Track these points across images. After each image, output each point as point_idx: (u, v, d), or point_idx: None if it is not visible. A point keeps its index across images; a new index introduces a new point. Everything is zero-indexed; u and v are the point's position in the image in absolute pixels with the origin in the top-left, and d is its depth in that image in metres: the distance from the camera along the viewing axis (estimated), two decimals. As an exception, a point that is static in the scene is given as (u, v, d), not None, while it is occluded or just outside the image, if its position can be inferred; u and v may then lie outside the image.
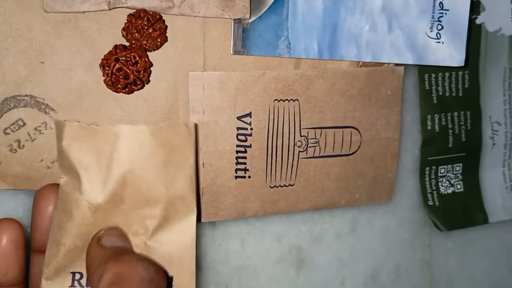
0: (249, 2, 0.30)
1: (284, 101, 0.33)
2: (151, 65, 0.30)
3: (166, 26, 0.29)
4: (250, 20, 0.31)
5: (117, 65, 0.28)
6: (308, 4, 0.32)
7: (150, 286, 0.21)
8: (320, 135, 0.34)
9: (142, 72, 0.28)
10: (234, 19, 0.31)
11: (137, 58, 0.28)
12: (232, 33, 0.31)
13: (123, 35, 0.29)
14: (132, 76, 0.28)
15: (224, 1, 0.30)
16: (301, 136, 0.34)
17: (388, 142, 0.36)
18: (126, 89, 0.28)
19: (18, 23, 0.28)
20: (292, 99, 0.33)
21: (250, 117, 0.32)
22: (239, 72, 0.31)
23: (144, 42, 0.29)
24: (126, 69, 0.28)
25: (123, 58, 0.28)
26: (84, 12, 0.28)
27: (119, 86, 0.28)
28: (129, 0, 0.28)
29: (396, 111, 0.36)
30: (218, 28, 0.31)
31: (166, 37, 0.30)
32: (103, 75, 0.28)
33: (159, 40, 0.29)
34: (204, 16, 0.30)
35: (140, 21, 0.28)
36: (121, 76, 0.28)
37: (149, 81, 0.30)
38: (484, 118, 0.39)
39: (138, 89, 0.29)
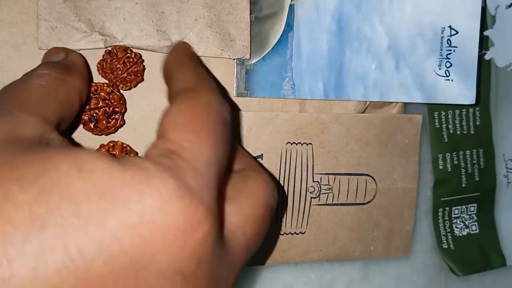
0: (249, 42, 0.29)
1: (297, 144, 0.32)
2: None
3: (144, 68, 0.28)
4: (253, 61, 0.30)
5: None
6: (312, 44, 0.31)
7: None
8: (334, 182, 0.32)
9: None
10: (236, 60, 0.30)
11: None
12: (235, 74, 0.30)
13: (98, 70, 0.28)
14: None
15: (224, 40, 0.29)
16: (313, 181, 0.32)
17: (405, 192, 0.34)
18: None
19: (15, 70, 0.27)
20: (305, 143, 0.32)
21: (262, 159, 0.31)
22: (252, 113, 0.30)
23: (117, 83, 0.28)
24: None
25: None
26: (80, 50, 0.28)
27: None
28: (126, 38, 0.28)
29: (414, 161, 0.34)
30: (220, 70, 0.30)
31: (143, 78, 0.29)
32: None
33: (133, 83, 0.28)
34: (203, 56, 0.29)
35: (116, 62, 0.27)
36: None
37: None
38: (497, 156, 0.38)
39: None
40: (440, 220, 0.37)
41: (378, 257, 0.34)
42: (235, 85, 0.30)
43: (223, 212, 0.19)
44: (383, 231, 0.34)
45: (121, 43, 0.28)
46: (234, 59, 0.30)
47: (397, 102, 0.33)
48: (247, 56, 0.30)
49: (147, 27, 0.28)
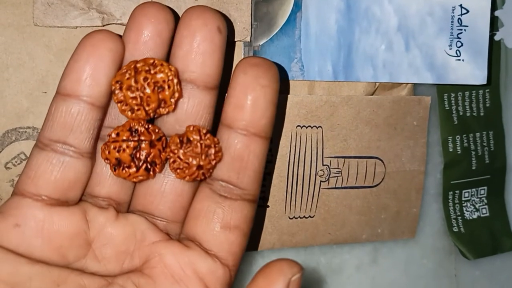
0: (250, 24, 0.29)
1: (307, 127, 0.31)
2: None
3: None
4: (261, 43, 0.30)
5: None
6: (321, 24, 0.30)
7: None
8: (343, 165, 0.32)
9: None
10: (244, 42, 0.29)
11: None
12: (243, 56, 0.30)
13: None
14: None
15: (224, 22, 0.29)
16: (323, 165, 0.32)
17: (413, 175, 0.34)
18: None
19: (19, 53, 0.27)
20: (315, 126, 0.31)
21: (271, 143, 0.31)
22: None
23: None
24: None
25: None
26: (76, 27, 0.27)
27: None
28: (123, 17, 0.27)
29: (422, 143, 0.34)
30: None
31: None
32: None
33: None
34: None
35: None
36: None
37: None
38: (507, 138, 0.37)
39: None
40: (450, 203, 0.36)
41: (385, 239, 0.34)
42: (242, 67, 0.30)
43: None
44: (390, 213, 0.34)
45: (118, 22, 0.27)
46: (235, 41, 0.29)
47: (407, 83, 0.33)
48: (248, 39, 0.29)
49: (146, 5, 0.27)
